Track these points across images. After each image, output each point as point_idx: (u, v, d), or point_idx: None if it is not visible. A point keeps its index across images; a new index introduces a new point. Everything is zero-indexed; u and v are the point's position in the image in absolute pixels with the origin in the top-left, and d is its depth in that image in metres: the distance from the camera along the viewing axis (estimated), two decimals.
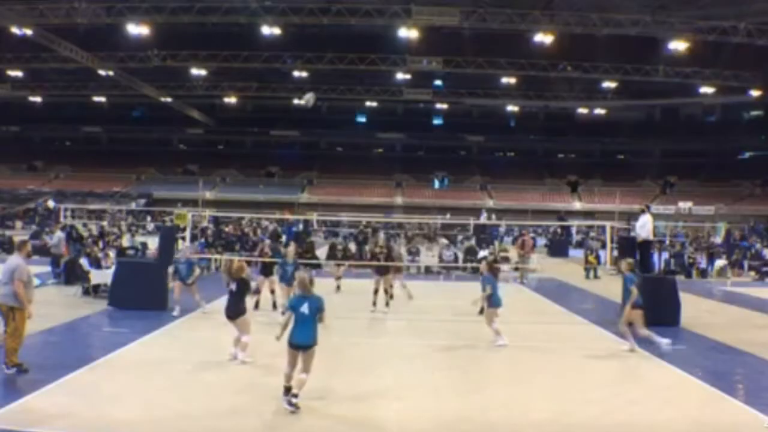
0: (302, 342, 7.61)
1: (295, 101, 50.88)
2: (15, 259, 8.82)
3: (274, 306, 14.28)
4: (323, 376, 9.06)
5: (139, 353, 10.19)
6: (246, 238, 27.24)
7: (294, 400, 7.48)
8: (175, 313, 13.40)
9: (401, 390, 8.68)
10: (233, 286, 9.73)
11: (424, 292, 17.21)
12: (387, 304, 14.96)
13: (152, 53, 39.70)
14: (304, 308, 7.68)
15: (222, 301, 15.88)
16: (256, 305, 14.25)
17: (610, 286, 19.19)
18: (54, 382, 8.23)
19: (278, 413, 7.58)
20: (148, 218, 45.02)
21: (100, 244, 21.24)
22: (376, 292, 14.99)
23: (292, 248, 14.62)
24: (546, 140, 64.14)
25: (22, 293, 8.53)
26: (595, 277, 23.83)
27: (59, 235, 19.60)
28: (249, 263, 11.56)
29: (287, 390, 7.62)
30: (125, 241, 25.90)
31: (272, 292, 14.50)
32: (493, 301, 11.44)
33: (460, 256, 25.79)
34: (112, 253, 18.26)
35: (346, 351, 10.70)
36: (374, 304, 14.77)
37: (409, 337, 12.20)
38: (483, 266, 12.49)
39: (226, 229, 29.02)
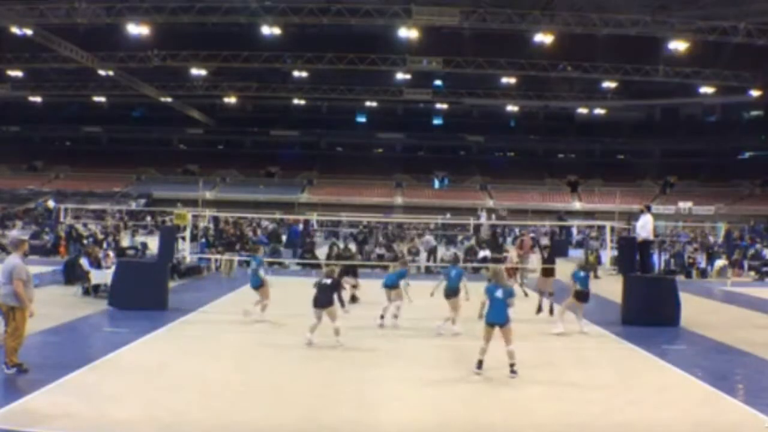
0: (497, 320, 9.44)
1: None
2: (13, 259, 8.79)
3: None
4: (323, 375, 9.07)
5: (139, 353, 10.18)
6: (246, 238, 27.21)
7: (514, 368, 9.34)
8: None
9: (401, 390, 8.67)
10: (327, 281, 10.96)
11: (424, 292, 17.19)
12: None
13: (152, 53, 39.71)
14: (498, 293, 9.52)
15: (221, 301, 15.90)
16: (353, 299, 15.16)
17: (610, 286, 19.17)
18: (54, 382, 8.22)
19: (276, 412, 7.60)
20: (148, 218, 44.90)
21: (104, 244, 21.19)
22: None
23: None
24: (546, 140, 64.15)
25: (23, 292, 8.52)
26: (596, 277, 23.77)
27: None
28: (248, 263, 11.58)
29: (480, 363, 9.39)
30: (125, 241, 25.87)
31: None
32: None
33: (461, 255, 25.69)
34: (111, 253, 18.23)
35: (346, 350, 10.70)
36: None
37: (409, 338, 12.20)
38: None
39: (222, 226, 28.94)
